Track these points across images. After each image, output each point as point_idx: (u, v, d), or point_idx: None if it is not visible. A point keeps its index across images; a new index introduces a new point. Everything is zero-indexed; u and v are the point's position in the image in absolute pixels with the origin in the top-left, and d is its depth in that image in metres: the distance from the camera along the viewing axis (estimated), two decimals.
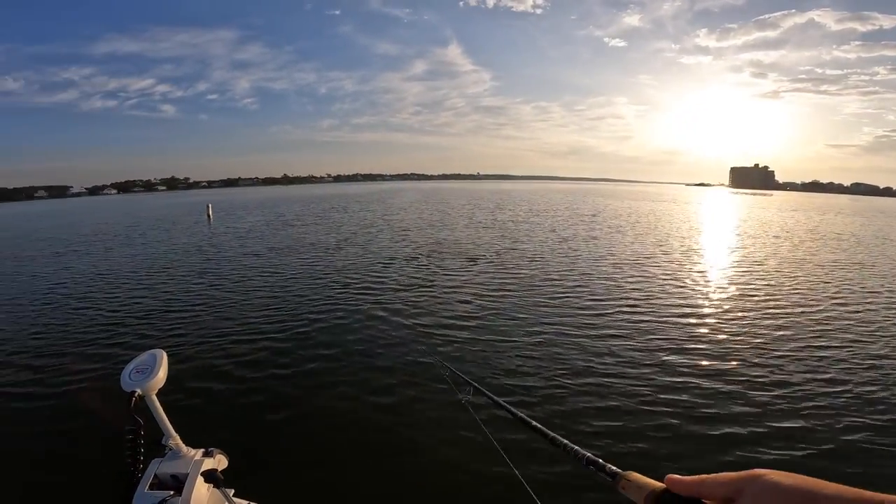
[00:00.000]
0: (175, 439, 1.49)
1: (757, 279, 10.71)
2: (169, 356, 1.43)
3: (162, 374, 1.41)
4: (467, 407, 1.88)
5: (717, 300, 8.74)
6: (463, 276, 10.59)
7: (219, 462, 1.55)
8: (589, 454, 0.60)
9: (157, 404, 1.42)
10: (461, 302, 8.37)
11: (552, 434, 0.74)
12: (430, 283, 9.82)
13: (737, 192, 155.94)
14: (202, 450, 1.53)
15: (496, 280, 10.15)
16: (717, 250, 15.54)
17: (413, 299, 8.58)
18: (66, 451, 3.97)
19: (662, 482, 0.48)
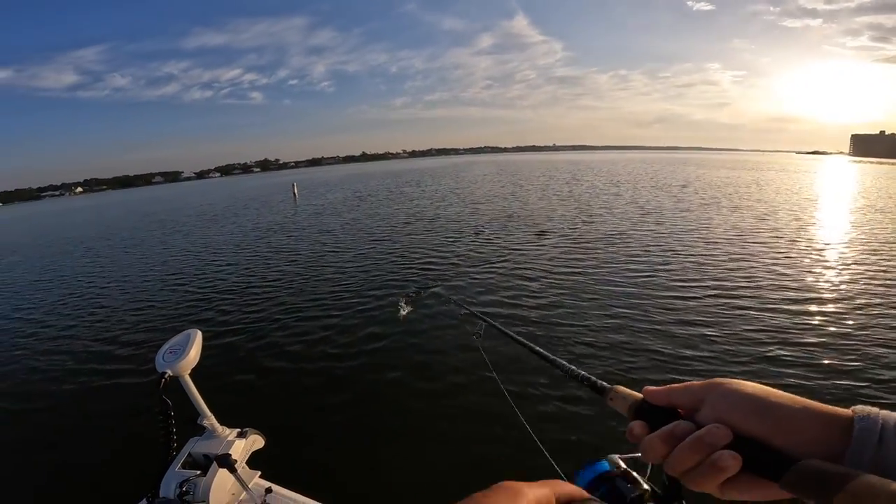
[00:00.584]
0: (210, 419, 1.51)
1: (884, 260, 8.86)
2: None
3: (194, 354, 1.42)
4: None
5: (838, 283, 7.31)
6: (532, 251, 9.97)
7: (253, 442, 1.56)
8: (583, 372, 0.65)
9: (191, 384, 1.44)
10: (529, 279, 7.83)
11: (550, 356, 0.80)
12: (495, 260, 9.36)
13: (859, 161, 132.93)
14: (237, 430, 1.55)
15: (569, 257, 9.40)
16: (835, 226, 13.22)
17: (478, 276, 8.20)
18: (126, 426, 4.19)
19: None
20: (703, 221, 13.30)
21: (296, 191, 33.90)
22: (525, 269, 8.60)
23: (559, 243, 10.78)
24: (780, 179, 33.07)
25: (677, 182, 29.16)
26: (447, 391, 4.40)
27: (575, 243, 10.71)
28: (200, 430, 1.52)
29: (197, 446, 1.48)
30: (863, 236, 11.17)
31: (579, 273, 8.19)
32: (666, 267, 8.40)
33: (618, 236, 11.33)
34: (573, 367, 0.70)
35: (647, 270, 8.18)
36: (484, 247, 10.78)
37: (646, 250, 9.73)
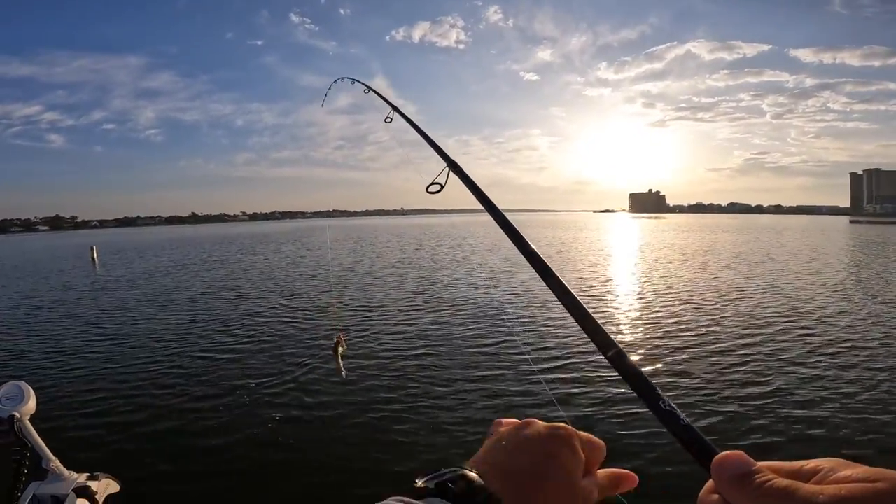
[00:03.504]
0: (55, 462, 1.49)
1: (660, 301, 10.99)
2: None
3: (33, 402, 1.46)
4: None
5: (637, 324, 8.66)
6: (370, 327, 9.63)
7: (107, 486, 1.54)
8: None
9: (32, 428, 1.44)
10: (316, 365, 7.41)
11: None
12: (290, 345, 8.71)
13: (636, 217, 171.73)
14: (86, 473, 1.52)
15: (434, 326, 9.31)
16: (620, 278, 16.12)
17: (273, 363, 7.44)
18: None
19: None
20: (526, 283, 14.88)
21: (95, 255, 28.52)
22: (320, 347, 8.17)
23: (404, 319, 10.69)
24: (580, 238, 39.96)
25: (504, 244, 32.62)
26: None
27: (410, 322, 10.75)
28: (43, 475, 1.46)
29: (41, 488, 1.42)
30: (643, 285, 13.78)
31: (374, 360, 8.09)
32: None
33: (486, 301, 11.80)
34: None
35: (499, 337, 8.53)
36: (291, 325, 10.03)
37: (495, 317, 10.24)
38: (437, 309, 10.66)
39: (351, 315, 10.23)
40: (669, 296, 11.93)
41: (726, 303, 10.84)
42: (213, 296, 13.73)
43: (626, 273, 17.16)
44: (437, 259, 22.34)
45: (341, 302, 11.70)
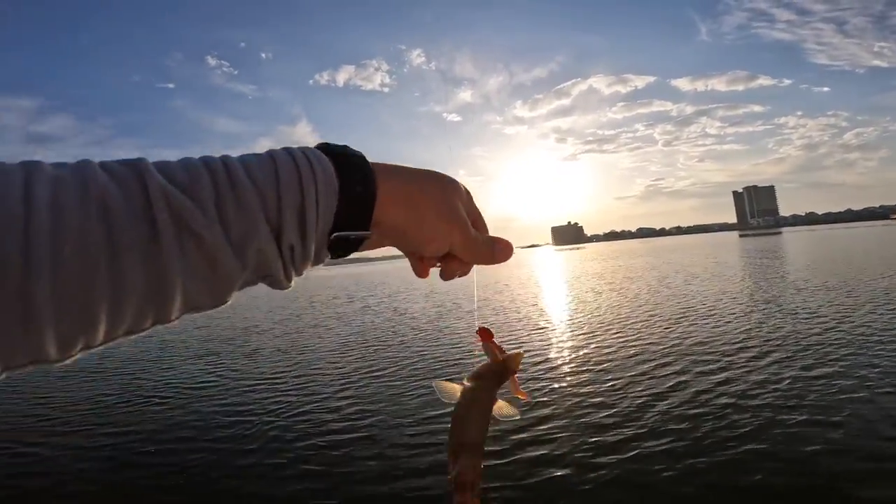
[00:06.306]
0: None
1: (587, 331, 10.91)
2: None
3: None
4: None
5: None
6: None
7: None
8: None
9: None
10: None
11: None
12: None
13: (560, 249, 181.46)
14: None
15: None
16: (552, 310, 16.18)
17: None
18: None
19: None
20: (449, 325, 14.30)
21: None
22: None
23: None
24: (510, 275, 40.67)
25: (427, 289, 32.27)
26: None
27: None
28: None
29: None
30: (570, 315, 13.75)
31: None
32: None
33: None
34: None
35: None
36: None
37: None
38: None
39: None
40: (614, 323, 11.97)
41: (669, 324, 11.04)
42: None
43: (564, 305, 17.29)
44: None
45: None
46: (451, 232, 0.44)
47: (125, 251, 0.32)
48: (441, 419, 5.69)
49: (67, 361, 0.36)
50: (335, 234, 0.40)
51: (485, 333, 0.51)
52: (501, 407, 0.50)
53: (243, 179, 0.37)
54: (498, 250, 0.48)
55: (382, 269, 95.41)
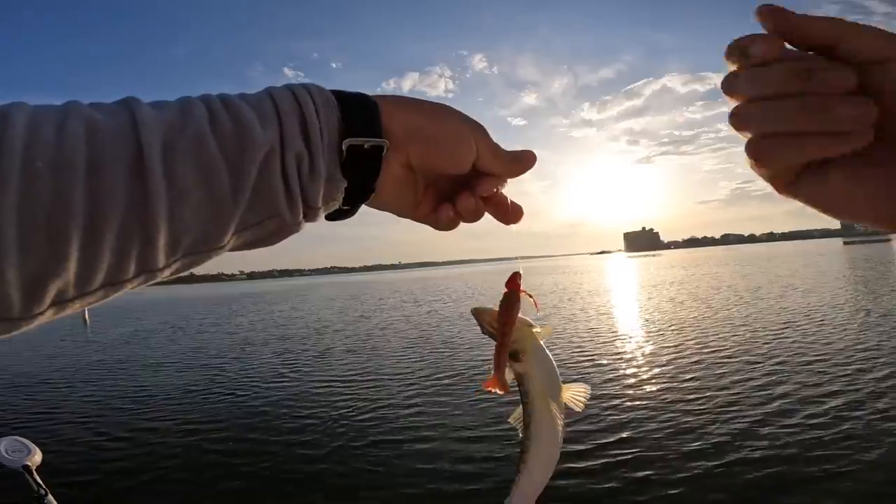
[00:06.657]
0: None
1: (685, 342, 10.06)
2: None
3: (39, 454, 1.48)
4: None
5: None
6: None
7: None
8: None
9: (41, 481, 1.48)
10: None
11: None
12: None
13: (632, 256, 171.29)
14: None
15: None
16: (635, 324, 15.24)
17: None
18: None
19: None
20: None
21: (87, 317, 27.69)
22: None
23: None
24: (581, 282, 39.05)
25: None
26: None
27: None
28: None
29: None
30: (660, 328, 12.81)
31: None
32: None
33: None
34: None
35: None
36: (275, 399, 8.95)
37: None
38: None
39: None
40: (697, 335, 11.02)
41: (766, 338, 9.97)
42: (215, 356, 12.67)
43: (643, 315, 16.27)
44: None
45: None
46: (475, 131, 0.41)
47: (107, 166, 0.30)
48: (501, 426, 5.48)
49: (34, 322, 0.31)
50: (347, 141, 0.36)
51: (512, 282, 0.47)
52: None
53: (236, 100, 0.35)
54: (523, 156, 0.45)
55: (448, 272, 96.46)
